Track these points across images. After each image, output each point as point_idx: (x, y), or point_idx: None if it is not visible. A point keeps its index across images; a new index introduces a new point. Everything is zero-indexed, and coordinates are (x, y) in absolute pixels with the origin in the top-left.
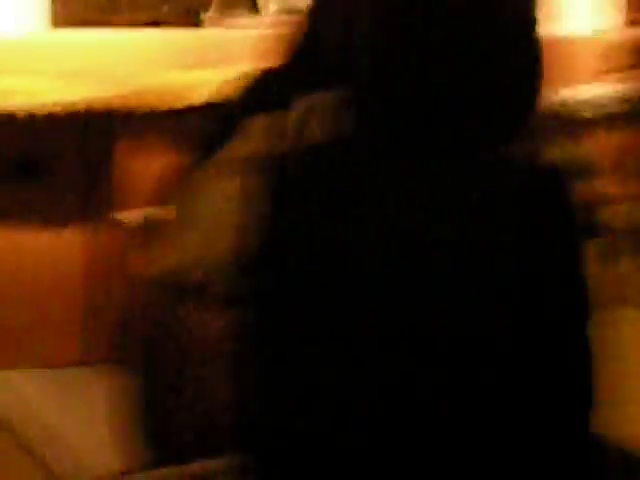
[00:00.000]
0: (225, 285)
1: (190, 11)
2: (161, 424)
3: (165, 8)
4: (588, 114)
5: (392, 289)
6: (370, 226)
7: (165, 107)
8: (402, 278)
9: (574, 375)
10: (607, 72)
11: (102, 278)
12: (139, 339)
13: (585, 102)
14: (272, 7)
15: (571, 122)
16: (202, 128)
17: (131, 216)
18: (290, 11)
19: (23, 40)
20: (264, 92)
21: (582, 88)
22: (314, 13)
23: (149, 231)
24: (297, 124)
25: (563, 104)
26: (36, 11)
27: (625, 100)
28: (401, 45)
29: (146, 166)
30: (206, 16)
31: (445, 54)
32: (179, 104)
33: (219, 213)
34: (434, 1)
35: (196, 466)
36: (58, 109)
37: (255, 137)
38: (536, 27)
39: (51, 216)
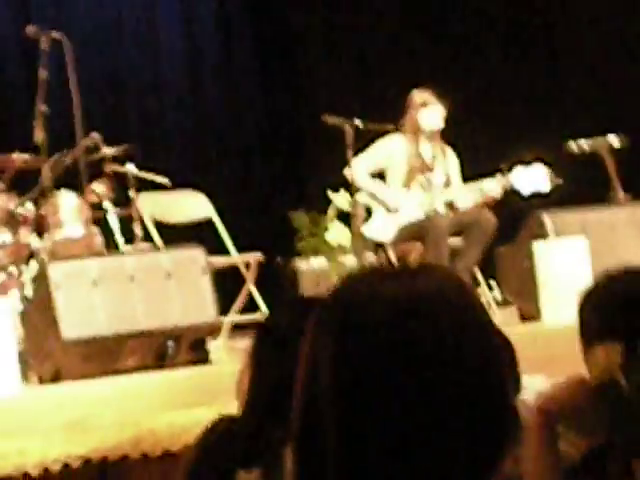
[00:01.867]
0: None
1: (196, 346)
2: None
3: (170, 346)
4: None
5: None
6: None
7: (162, 450)
8: None
9: None
10: None
11: None
12: None
13: None
14: None
15: None
16: None
17: None
18: None
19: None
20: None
21: None
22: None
23: None
24: None
25: None
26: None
27: None
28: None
29: None
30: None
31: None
32: (175, 446)
33: None
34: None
35: None
36: (59, 466)
37: None
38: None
39: None
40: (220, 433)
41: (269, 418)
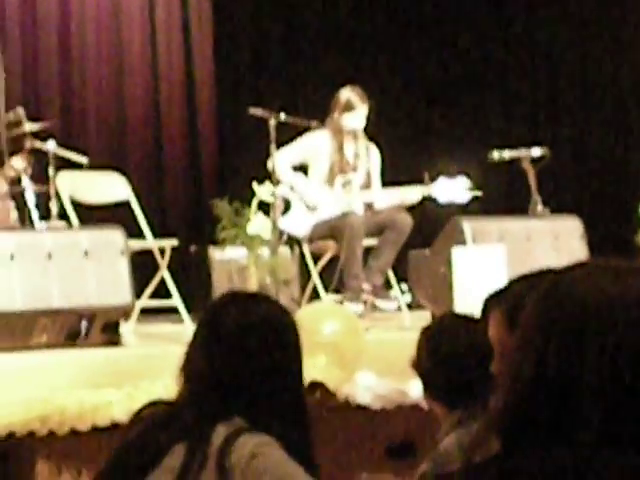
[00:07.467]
0: None
1: (108, 328)
2: None
3: (83, 325)
4: None
5: None
6: None
7: (70, 428)
8: None
9: None
10: None
11: None
12: None
13: None
14: None
15: None
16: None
17: None
18: None
19: None
20: (172, 419)
21: None
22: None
23: None
24: (220, 449)
25: None
26: None
27: None
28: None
29: None
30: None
31: None
32: (83, 425)
33: None
34: None
35: None
36: None
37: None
38: None
39: None
40: (161, 411)
41: (212, 401)
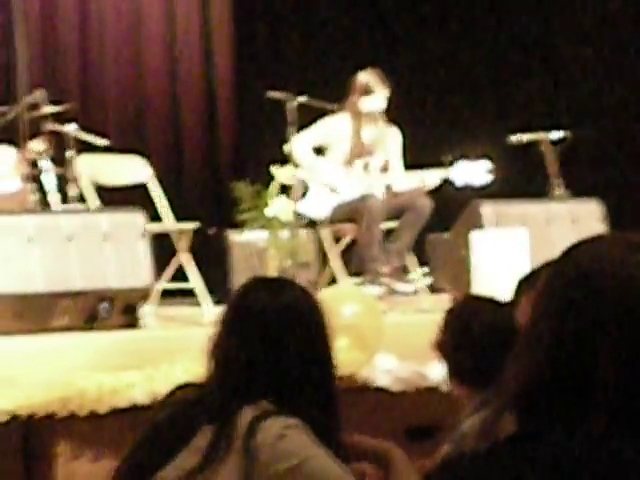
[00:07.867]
0: None
1: (127, 310)
2: None
3: (103, 308)
4: None
5: None
6: None
7: (89, 410)
8: None
9: None
10: None
11: None
12: None
13: None
14: None
15: None
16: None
17: None
18: None
19: None
20: (201, 402)
21: None
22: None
23: None
24: (246, 430)
25: None
26: None
27: None
28: None
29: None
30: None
31: None
32: (103, 407)
33: None
34: None
35: None
36: None
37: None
38: None
39: None
40: (190, 394)
41: (239, 384)
